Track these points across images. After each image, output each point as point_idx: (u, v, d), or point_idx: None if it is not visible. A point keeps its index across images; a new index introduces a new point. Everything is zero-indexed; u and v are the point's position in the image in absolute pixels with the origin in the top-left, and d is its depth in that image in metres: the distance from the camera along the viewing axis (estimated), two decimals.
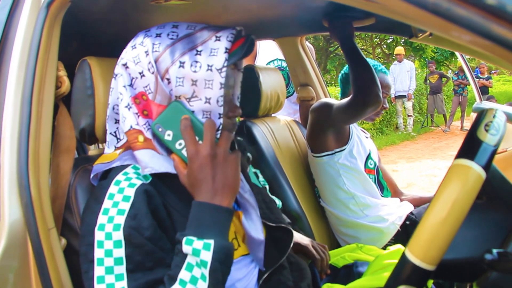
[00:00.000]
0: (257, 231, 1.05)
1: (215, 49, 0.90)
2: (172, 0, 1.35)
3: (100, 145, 1.23)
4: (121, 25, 1.36)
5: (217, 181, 0.88)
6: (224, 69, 0.89)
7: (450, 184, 0.73)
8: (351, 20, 1.70)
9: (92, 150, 1.20)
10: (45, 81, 0.95)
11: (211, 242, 0.83)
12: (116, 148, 1.00)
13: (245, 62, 1.93)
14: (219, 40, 0.91)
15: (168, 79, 0.92)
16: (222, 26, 0.95)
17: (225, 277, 0.86)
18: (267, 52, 2.99)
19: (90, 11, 1.18)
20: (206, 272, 0.82)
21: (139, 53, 0.94)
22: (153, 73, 0.92)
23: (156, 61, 0.92)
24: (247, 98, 1.93)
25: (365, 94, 1.62)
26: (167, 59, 0.91)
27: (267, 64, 2.82)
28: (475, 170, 0.72)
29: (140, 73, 0.94)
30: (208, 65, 0.89)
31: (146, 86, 0.94)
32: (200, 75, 0.90)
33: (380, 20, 1.71)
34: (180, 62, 0.90)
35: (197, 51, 0.91)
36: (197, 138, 0.90)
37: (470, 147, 0.75)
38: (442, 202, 0.73)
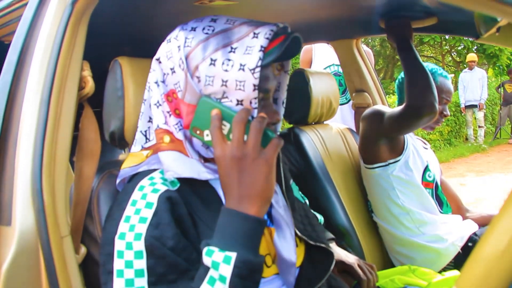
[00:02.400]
0: (289, 251, 0.94)
1: (251, 47, 0.81)
2: (217, 0, 1.28)
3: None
4: (162, 27, 1.32)
5: (243, 186, 0.77)
6: (258, 69, 0.80)
7: None
8: (409, 21, 1.58)
9: (122, 154, 1.15)
10: (67, 80, 0.91)
11: (233, 255, 0.73)
12: (143, 148, 0.93)
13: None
14: (256, 37, 0.82)
15: (198, 77, 0.84)
16: (265, 22, 0.86)
17: None
18: (324, 57, 2.92)
19: (125, 13, 1.14)
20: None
21: (172, 48, 0.87)
22: (183, 69, 0.84)
23: (187, 57, 0.84)
24: (295, 104, 1.84)
25: (418, 103, 1.49)
26: (198, 55, 0.83)
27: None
28: None
29: (171, 69, 0.87)
30: (241, 64, 0.80)
31: (176, 84, 0.87)
32: (231, 75, 0.81)
33: (442, 19, 1.56)
34: (211, 60, 0.82)
35: (232, 48, 0.82)
36: (226, 131, 0.82)
37: None
38: (502, 227, 0.59)
